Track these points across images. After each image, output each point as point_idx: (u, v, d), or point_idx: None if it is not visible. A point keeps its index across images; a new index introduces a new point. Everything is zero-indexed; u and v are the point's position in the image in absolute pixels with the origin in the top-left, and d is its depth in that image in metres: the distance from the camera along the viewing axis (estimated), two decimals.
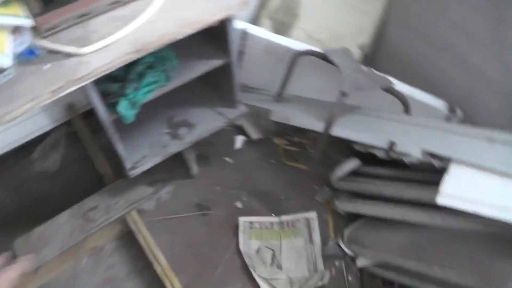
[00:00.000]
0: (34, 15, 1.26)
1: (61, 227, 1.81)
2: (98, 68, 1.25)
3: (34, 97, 1.19)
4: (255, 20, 2.42)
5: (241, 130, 2.34)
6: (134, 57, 1.29)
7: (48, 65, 1.26)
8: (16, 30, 1.24)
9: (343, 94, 1.60)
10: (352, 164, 2.02)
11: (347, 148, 2.12)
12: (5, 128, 2.14)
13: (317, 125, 2.01)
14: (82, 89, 1.33)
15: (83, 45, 1.28)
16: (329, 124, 1.71)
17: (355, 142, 2.06)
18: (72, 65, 1.26)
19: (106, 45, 1.29)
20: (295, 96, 2.00)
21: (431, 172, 1.77)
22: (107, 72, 1.27)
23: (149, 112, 1.74)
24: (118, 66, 1.28)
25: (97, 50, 1.28)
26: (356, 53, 2.20)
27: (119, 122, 1.52)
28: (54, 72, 1.25)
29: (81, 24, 1.36)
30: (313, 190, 2.11)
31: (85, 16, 1.36)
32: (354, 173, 2.03)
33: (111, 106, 1.47)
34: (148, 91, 1.50)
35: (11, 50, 1.19)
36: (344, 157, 2.13)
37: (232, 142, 2.31)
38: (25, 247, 1.77)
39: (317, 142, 2.26)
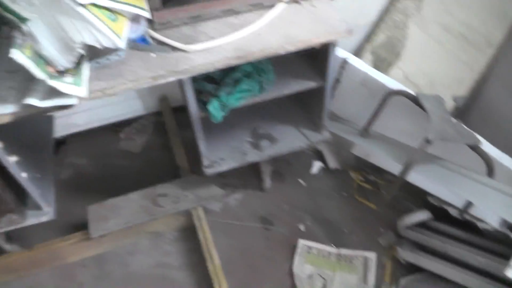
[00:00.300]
0: (153, 9, 1.38)
1: (132, 204, 1.92)
2: (199, 66, 1.33)
3: (136, 78, 1.30)
4: (357, 52, 2.44)
5: (320, 156, 2.35)
6: (234, 62, 1.36)
7: (154, 54, 1.37)
8: (135, 18, 1.35)
9: (427, 141, 1.58)
10: (422, 215, 1.97)
11: (420, 197, 2.07)
12: (103, 105, 2.33)
13: (395, 168, 1.99)
14: (179, 84, 1.42)
15: (190, 43, 1.37)
16: (407, 169, 1.69)
17: (430, 194, 2.01)
18: (176, 58, 1.35)
19: (211, 47, 1.37)
20: (380, 134, 1.99)
21: (505, 243, 1.69)
22: (206, 71, 1.35)
23: (236, 118, 1.80)
24: (218, 68, 1.36)
25: (202, 50, 1.36)
26: (449, 103, 2.15)
27: (206, 121, 1.59)
28: (158, 61, 1.35)
29: (192, 24, 1.46)
30: (377, 231, 2.07)
31: (197, 18, 1.46)
32: (423, 225, 1.98)
33: (203, 104, 1.55)
34: (240, 98, 1.56)
35: (127, 35, 1.29)
36: (416, 206, 2.08)
37: (309, 165, 2.33)
38: (97, 213, 1.91)
39: (392, 185, 2.22)
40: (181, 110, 2.35)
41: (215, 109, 1.53)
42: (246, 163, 1.83)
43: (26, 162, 1.54)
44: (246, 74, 1.57)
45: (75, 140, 2.47)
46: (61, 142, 2.45)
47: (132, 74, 1.31)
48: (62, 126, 2.37)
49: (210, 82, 1.57)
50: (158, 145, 2.44)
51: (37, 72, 1.19)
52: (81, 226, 1.96)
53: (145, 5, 1.34)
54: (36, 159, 1.71)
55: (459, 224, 1.86)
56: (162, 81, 1.32)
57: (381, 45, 2.38)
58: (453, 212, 1.87)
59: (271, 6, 1.50)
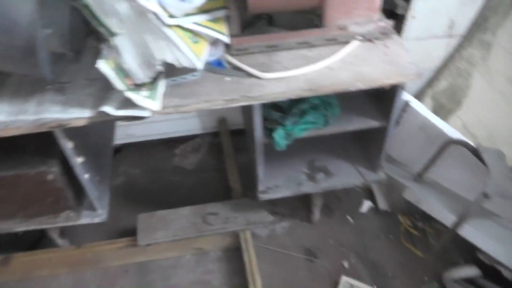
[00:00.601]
0: (232, 35, 1.43)
1: (181, 218, 1.97)
2: (272, 94, 1.36)
3: (209, 99, 1.34)
4: (418, 96, 2.42)
5: (370, 195, 2.34)
6: (305, 94, 1.39)
7: (229, 78, 1.41)
8: (214, 42, 1.40)
9: (485, 196, 1.54)
10: (471, 271, 1.91)
11: (470, 252, 2.02)
12: (161, 120, 2.41)
13: (447, 218, 1.95)
14: (243, 109, 1.43)
15: (265, 71, 1.40)
16: (460, 221, 1.65)
17: (481, 250, 1.95)
18: (250, 84, 1.38)
19: (285, 77, 1.40)
20: (435, 182, 1.96)
21: None
22: (277, 100, 1.38)
23: (295, 147, 1.82)
24: (289, 97, 1.39)
25: (276, 79, 1.39)
26: (510, 159, 2.10)
27: (267, 147, 1.62)
28: (232, 85, 1.39)
29: (267, 53, 1.49)
30: (421, 280, 2.03)
31: (273, 48, 1.49)
32: (470, 281, 1.92)
33: (268, 130, 1.58)
34: (305, 129, 1.58)
35: (205, 57, 1.34)
36: (464, 260, 2.03)
37: (358, 203, 2.32)
38: (146, 222, 1.96)
39: (441, 235, 2.18)
40: (238, 134, 2.41)
41: (280, 137, 1.55)
42: (300, 193, 1.84)
43: (89, 164, 1.60)
44: (313, 106, 1.59)
45: (130, 149, 2.55)
46: (117, 150, 2.54)
47: (206, 95, 1.35)
48: (120, 135, 2.45)
49: (277, 110, 1.60)
50: (211, 165, 2.49)
51: (117, 83, 1.26)
52: (128, 233, 2.03)
53: (225, 31, 1.39)
54: (97, 163, 1.77)
55: (510, 286, 1.80)
56: (234, 105, 1.35)
57: (443, 92, 2.36)
58: (506, 273, 1.81)
59: (345, 42, 1.52)
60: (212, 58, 1.42)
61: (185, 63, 1.28)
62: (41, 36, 1.16)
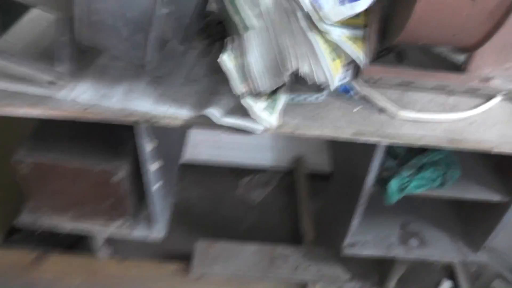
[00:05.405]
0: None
1: (246, 255, 1.75)
2: (407, 137, 1.16)
3: (334, 128, 1.15)
4: None
5: (452, 275, 2.05)
6: (444, 145, 1.18)
7: (356, 109, 1.21)
8: (346, 65, 1.21)
9: None
10: None
11: None
12: (232, 148, 2.27)
13: None
14: (348, 150, 1.23)
15: (398, 108, 1.20)
16: None
17: None
18: (381, 121, 1.19)
19: (423, 120, 1.20)
20: None
21: None
22: (409, 144, 1.18)
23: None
24: (425, 145, 1.18)
25: (411, 120, 1.19)
26: None
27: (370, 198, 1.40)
28: (361, 117, 1.19)
29: (399, 90, 1.29)
30: None
31: (406, 86, 1.29)
32: None
33: (376, 178, 1.36)
34: (420, 186, 1.36)
35: (338, 79, 1.15)
36: None
37: (437, 281, 2.02)
38: (205, 251, 1.75)
39: None
40: (315, 178, 2.20)
41: (394, 190, 1.33)
42: (388, 257, 1.59)
43: (161, 173, 1.42)
44: (433, 162, 1.37)
45: (190, 170, 2.37)
46: None
47: (330, 123, 1.16)
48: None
49: (392, 157, 1.39)
50: (277, 204, 2.28)
51: (237, 85, 1.08)
52: (178, 258, 1.80)
53: (362, 54, 1.20)
54: (167, 174, 1.58)
55: None
56: (363, 139, 1.15)
57: None
58: None
59: (489, 97, 1.30)
60: (340, 83, 1.23)
61: (321, 80, 1.09)
62: (159, 13, 0.98)
